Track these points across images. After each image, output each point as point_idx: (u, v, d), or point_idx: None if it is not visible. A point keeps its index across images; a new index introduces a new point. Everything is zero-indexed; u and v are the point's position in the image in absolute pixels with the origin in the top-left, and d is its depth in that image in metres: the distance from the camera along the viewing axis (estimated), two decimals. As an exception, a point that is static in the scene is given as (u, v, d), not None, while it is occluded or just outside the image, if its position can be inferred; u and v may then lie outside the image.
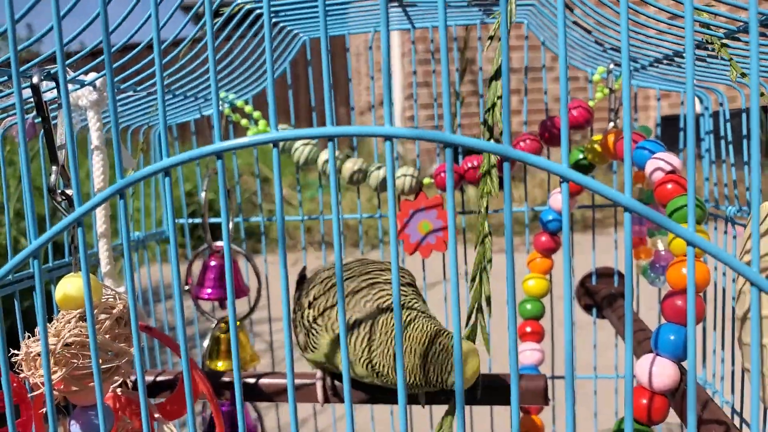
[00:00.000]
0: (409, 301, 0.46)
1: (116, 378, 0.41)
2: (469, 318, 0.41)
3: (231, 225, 0.67)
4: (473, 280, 0.40)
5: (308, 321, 0.48)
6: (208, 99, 0.66)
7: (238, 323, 0.65)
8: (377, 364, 0.44)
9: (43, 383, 0.37)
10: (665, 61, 0.53)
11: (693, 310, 0.24)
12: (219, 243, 0.64)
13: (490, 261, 0.40)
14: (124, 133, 0.68)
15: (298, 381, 0.52)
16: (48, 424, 0.33)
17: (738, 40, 0.38)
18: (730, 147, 0.60)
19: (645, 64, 0.56)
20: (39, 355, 0.37)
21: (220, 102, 0.69)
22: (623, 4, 0.24)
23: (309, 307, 0.48)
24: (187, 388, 0.27)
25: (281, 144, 0.65)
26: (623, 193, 0.23)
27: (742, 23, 0.36)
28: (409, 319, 0.44)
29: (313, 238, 2.78)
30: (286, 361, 0.26)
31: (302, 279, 0.57)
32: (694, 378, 0.25)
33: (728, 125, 0.60)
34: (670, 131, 0.84)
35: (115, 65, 0.43)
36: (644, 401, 0.42)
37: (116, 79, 0.46)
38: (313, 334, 0.48)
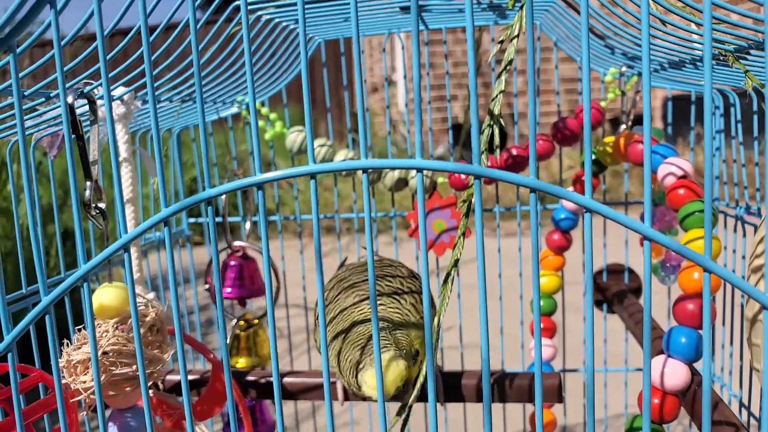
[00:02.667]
0: (394, 316, 0.45)
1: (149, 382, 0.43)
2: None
3: (248, 224, 0.69)
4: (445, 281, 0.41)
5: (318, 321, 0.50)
6: (225, 102, 0.67)
7: (255, 321, 0.67)
8: (341, 372, 0.44)
9: (83, 390, 0.39)
10: (676, 67, 0.53)
11: (708, 325, 0.25)
12: (238, 243, 0.65)
13: (456, 262, 0.41)
14: (144, 138, 0.69)
15: (318, 380, 0.54)
16: (81, 426, 0.34)
17: (749, 54, 0.39)
18: (741, 147, 0.61)
19: (656, 67, 0.57)
20: (79, 362, 0.39)
21: (237, 104, 0.70)
22: (644, 14, 0.25)
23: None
24: (230, 404, 0.28)
25: (298, 144, 0.66)
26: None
27: (753, 41, 0.37)
28: (366, 335, 0.44)
29: (321, 224, 2.80)
30: (323, 366, 0.28)
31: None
32: (709, 392, 0.26)
33: (739, 126, 0.61)
34: (680, 111, 0.85)
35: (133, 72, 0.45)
36: (656, 401, 0.44)
37: (142, 92, 0.47)
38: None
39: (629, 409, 0.82)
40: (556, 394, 0.51)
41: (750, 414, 0.61)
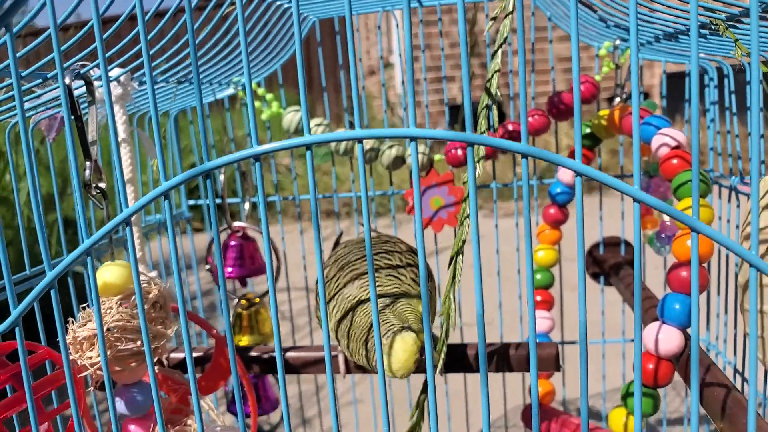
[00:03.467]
0: (392, 289, 0.46)
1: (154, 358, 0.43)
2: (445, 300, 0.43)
3: (248, 205, 0.69)
4: (451, 261, 0.42)
5: (318, 300, 0.50)
6: (222, 83, 0.68)
7: (257, 300, 0.68)
8: (351, 351, 0.45)
9: (89, 365, 0.40)
10: (670, 38, 0.54)
11: (696, 291, 0.26)
12: (238, 223, 0.66)
13: (463, 242, 0.42)
14: (142, 120, 0.70)
15: (320, 354, 0.55)
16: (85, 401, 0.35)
17: (741, 22, 0.39)
18: (735, 118, 0.61)
19: (650, 39, 0.57)
20: (85, 339, 0.40)
21: (233, 85, 0.71)
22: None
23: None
24: (235, 379, 0.29)
25: (295, 124, 0.67)
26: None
27: (743, 9, 0.37)
28: (390, 296, 0.45)
29: (321, 208, 2.81)
30: (323, 339, 0.29)
31: (337, 244, 0.60)
32: (697, 351, 0.27)
33: (733, 96, 0.61)
34: (676, 88, 0.85)
35: (128, 53, 0.45)
36: (650, 366, 0.45)
37: (138, 73, 0.47)
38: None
39: (627, 380, 0.83)
40: (553, 363, 0.52)
41: (744, 380, 0.62)
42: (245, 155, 0.26)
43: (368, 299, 0.45)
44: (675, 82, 0.88)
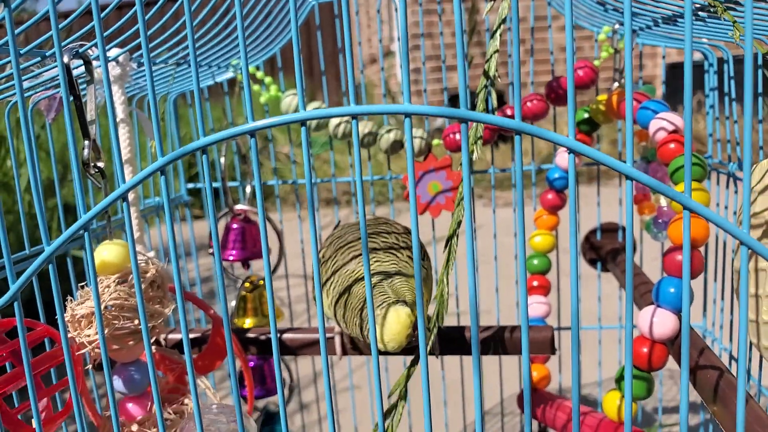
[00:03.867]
0: (390, 266, 0.46)
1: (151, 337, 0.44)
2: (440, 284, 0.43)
3: (248, 188, 0.69)
4: (447, 243, 0.42)
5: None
6: (221, 66, 0.68)
7: (261, 282, 0.68)
8: (346, 321, 0.45)
9: (87, 343, 0.40)
10: (669, 22, 0.54)
11: (688, 270, 0.26)
12: (239, 206, 0.66)
13: (459, 224, 0.42)
14: (141, 102, 0.70)
15: (316, 336, 0.55)
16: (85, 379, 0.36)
17: (739, 4, 0.39)
18: (734, 103, 0.61)
19: (649, 23, 0.57)
20: (83, 317, 0.40)
21: (231, 68, 0.71)
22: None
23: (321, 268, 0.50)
24: (230, 360, 0.29)
25: (293, 108, 0.67)
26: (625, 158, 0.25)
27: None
28: (386, 272, 0.45)
29: (320, 196, 2.81)
30: (318, 320, 0.29)
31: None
32: (687, 331, 0.27)
33: (732, 82, 0.61)
34: (678, 78, 0.85)
35: (126, 32, 0.45)
36: (645, 350, 0.45)
37: (137, 54, 0.47)
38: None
39: (622, 364, 0.84)
40: (549, 346, 0.53)
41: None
42: (241, 131, 0.27)
43: (358, 286, 0.45)
44: (677, 72, 0.88)
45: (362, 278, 0.45)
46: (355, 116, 0.26)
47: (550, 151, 2.92)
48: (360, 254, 0.47)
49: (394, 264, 0.46)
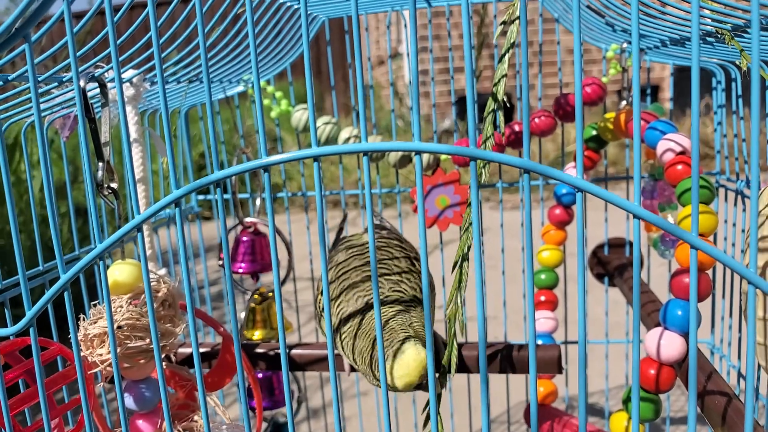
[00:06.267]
0: (397, 297, 0.45)
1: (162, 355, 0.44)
2: (450, 302, 0.43)
3: (258, 200, 0.70)
4: (454, 266, 0.42)
5: (319, 308, 0.50)
6: (231, 81, 0.68)
7: (270, 295, 0.69)
8: (355, 361, 0.45)
9: (99, 362, 0.41)
10: (677, 44, 0.54)
11: (695, 304, 0.26)
12: (249, 219, 0.67)
13: (469, 248, 0.42)
14: (153, 118, 0.70)
15: (325, 352, 0.56)
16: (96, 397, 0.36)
17: (746, 32, 0.39)
18: (742, 122, 0.61)
19: (657, 44, 0.57)
20: (96, 336, 0.41)
21: (243, 83, 0.71)
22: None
23: (321, 293, 0.50)
24: (240, 377, 0.30)
25: (303, 122, 0.67)
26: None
27: (747, 20, 0.37)
28: (385, 318, 0.44)
29: (327, 199, 2.82)
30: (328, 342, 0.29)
31: (340, 231, 0.60)
32: (695, 362, 0.27)
33: (740, 101, 0.61)
34: (686, 82, 0.85)
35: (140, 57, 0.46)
36: (652, 372, 0.45)
37: (150, 74, 0.48)
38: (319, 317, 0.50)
39: (629, 379, 0.84)
40: (555, 365, 0.53)
41: (746, 384, 0.62)
42: (254, 166, 0.27)
43: (370, 315, 0.45)
44: (686, 75, 0.88)
45: (365, 319, 0.44)
46: (366, 153, 0.26)
47: (558, 154, 2.92)
48: (361, 292, 0.46)
49: (398, 296, 0.45)
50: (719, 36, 0.41)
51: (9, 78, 0.37)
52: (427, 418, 0.48)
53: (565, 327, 0.78)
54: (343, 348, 0.46)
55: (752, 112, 0.26)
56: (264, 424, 0.71)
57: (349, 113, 3.32)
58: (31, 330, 0.31)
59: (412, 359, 0.40)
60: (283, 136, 2.93)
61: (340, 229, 0.64)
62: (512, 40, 0.42)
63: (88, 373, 0.41)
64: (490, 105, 0.44)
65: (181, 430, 0.45)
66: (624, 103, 0.59)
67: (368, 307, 0.45)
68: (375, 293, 0.28)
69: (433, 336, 0.28)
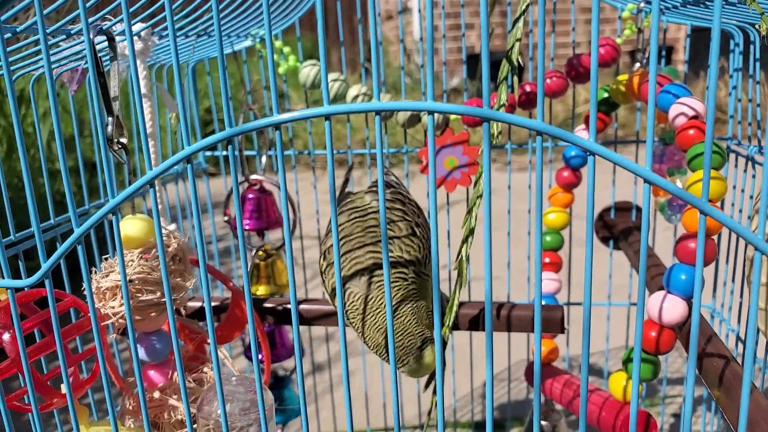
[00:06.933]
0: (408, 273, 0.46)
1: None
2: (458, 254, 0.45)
3: (264, 158, 0.70)
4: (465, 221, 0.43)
5: (322, 269, 0.51)
6: (240, 36, 0.67)
7: (275, 251, 0.70)
8: (367, 339, 0.46)
9: (112, 314, 0.42)
10: (697, 4, 0.53)
11: (701, 268, 0.27)
12: (255, 176, 0.67)
13: (472, 231, 0.43)
14: (160, 72, 0.70)
15: (330, 308, 0.56)
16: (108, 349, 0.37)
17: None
18: (758, 87, 0.60)
19: (676, 3, 0.56)
20: (108, 289, 0.41)
21: (251, 38, 0.70)
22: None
23: (323, 258, 0.50)
24: (251, 330, 0.31)
25: (311, 79, 0.67)
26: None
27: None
28: (396, 302, 0.45)
29: (333, 159, 2.81)
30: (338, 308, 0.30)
31: (346, 182, 0.60)
32: (697, 325, 0.28)
33: (757, 64, 0.60)
34: (702, 42, 0.83)
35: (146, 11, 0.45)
36: (653, 334, 0.46)
37: (159, 28, 0.47)
38: (325, 282, 0.51)
39: (630, 342, 0.85)
40: (558, 325, 0.54)
41: (745, 348, 0.63)
42: (265, 124, 0.27)
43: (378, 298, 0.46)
44: (701, 35, 0.86)
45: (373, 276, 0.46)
46: (378, 113, 0.26)
47: (567, 115, 2.89)
48: (365, 269, 0.47)
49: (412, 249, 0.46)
50: (739, -2, 0.40)
51: (18, 30, 0.37)
52: (431, 378, 0.50)
53: (568, 288, 0.78)
54: (351, 322, 0.47)
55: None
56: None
57: (356, 69, 3.28)
58: (46, 282, 0.32)
59: (433, 365, 0.45)
60: (290, 92, 2.91)
61: (346, 180, 0.64)
62: (527, 3, 0.41)
63: (102, 324, 0.42)
64: (504, 69, 0.43)
65: (191, 380, 0.46)
66: (638, 65, 0.58)
67: (371, 274, 0.46)
68: (387, 288, 0.28)
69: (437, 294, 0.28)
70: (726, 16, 0.56)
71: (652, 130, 0.26)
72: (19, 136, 0.31)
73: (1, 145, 1.64)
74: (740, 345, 0.65)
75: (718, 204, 0.49)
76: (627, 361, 0.50)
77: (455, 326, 0.54)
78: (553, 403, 0.68)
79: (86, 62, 0.45)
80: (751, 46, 0.61)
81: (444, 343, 0.50)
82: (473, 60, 3.55)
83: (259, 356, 0.63)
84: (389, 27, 4.54)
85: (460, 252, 0.45)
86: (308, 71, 0.66)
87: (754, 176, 0.62)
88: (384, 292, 0.43)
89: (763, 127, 0.62)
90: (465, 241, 0.44)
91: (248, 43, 0.72)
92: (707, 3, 0.51)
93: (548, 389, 0.63)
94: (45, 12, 0.34)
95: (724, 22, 0.62)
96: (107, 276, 0.42)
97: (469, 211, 0.43)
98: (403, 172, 0.80)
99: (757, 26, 0.41)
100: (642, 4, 0.59)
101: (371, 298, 0.45)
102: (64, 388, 0.37)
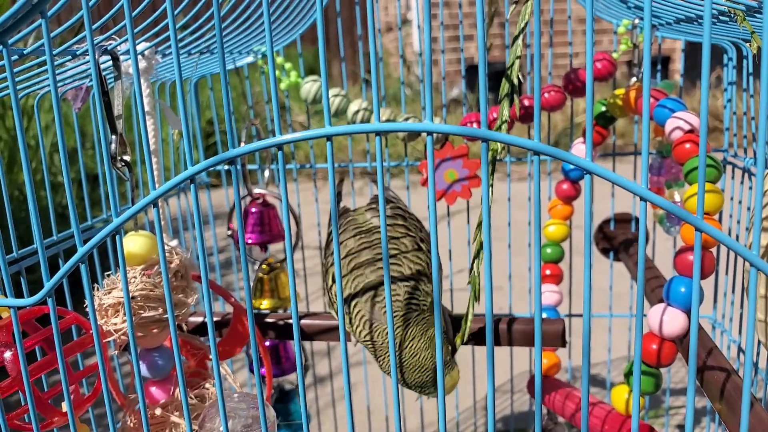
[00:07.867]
0: (413, 291, 0.46)
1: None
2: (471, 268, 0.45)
3: (267, 171, 0.70)
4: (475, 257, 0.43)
5: (326, 285, 0.51)
6: (241, 52, 0.68)
7: (278, 265, 0.70)
8: (380, 359, 0.47)
9: (114, 331, 0.42)
10: (691, 22, 0.53)
11: (698, 285, 0.27)
12: (258, 190, 0.68)
13: (482, 245, 0.44)
14: (162, 89, 0.71)
15: (333, 323, 0.57)
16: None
17: (760, 12, 0.39)
18: (752, 100, 0.61)
19: (670, 20, 0.57)
20: (110, 306, 0.42)
21: (252, 54, 0.71)
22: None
23: (326, 273, 0.51)
24: (253, 347, 0.31)
25: (312, 94, 0.67)
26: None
27: (760, 2, 0.37)
28: (406, 322, 0.45)
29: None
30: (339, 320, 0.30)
31: (339, 194, 0.60)
32: (695, 340, 0.28)
33: (750, 78, 0.61)
34: (698, 54, 0.84)
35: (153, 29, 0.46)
36: (654, 346, 0.46)
37: (163, 47, 0.48)
38: (330, 299, 0.51)
39: (632, 352, 0.85)
40: (560, 339, 0.54)
41: (747, 359, 0.63)
42: (269, 144, 0.28)
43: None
44: (698, 46, 0.87)
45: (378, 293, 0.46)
46: (378, 133, 0.27)
47: (567, 125, 2.90)
48: (370, 285, 0.47)
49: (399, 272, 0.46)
50: (732, 16, 0.40)
51: (24, 52, 0.37)
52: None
53: (569, 299, 0.79)
54: (356, 333, 0.47)
55: (762, 95, 0.26)
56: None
57: (356, 81, 3.29)
58: (49, 301, 0.32)
59: (449, 386, 0.46)
60: (291, 104, 2.92)
61: (338, 194, 0.64)
62: (525, 20, 0.42)
63: (103, 341, 0.43)
64: (505, 86, 0.44)
65: (192, 397, 0.46)
66: (634, 79, 0.59)
67: (375, 291, 0.46)
68: (389, 310, 0.29)
69: (441, 324, 0.29)
70: (719, 33, 0.57)
71: (647, 149, 0.26)
72: (23, 152, 0.31)
73: (3, 158, 1.64)
74: (742, 355, 0.65)
75: (716, 216, 0.49)
76: (629, 374, 0.50)
77: (467, 339, 0.54)
78: (556, 416, 0.68)
79: (91, 80, 0.46)
80: (744, 61, 0.62)
81: (454, 351, 0.51)
82: (473, 71, 3.56)
83: (261, 371, 0.63)
84: (389, 39, 4.57)
85: (472, 267, 0.45)
86: (309, 87, 0.67)
87: (750, 188, 0.62)
88: (397, 323, 0.44)
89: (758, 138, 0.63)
90: (476, 256, 0.45)
91: (250, 59, 0.72)
92: (699, 21, 0.51)
93: (550, 402, 0.63)
94: (52, 35, 0.34)
95: (717, 38, 0.62)
96: (109, 293, 0.42)
97: (479, 226, 0.43)
98: (404, 183, 0.80)
99: (749, 44, 0.42)
100: (636, 20, 0.59)
101: (403, 339, 0.46)
102: (64, 406, 0.37)
